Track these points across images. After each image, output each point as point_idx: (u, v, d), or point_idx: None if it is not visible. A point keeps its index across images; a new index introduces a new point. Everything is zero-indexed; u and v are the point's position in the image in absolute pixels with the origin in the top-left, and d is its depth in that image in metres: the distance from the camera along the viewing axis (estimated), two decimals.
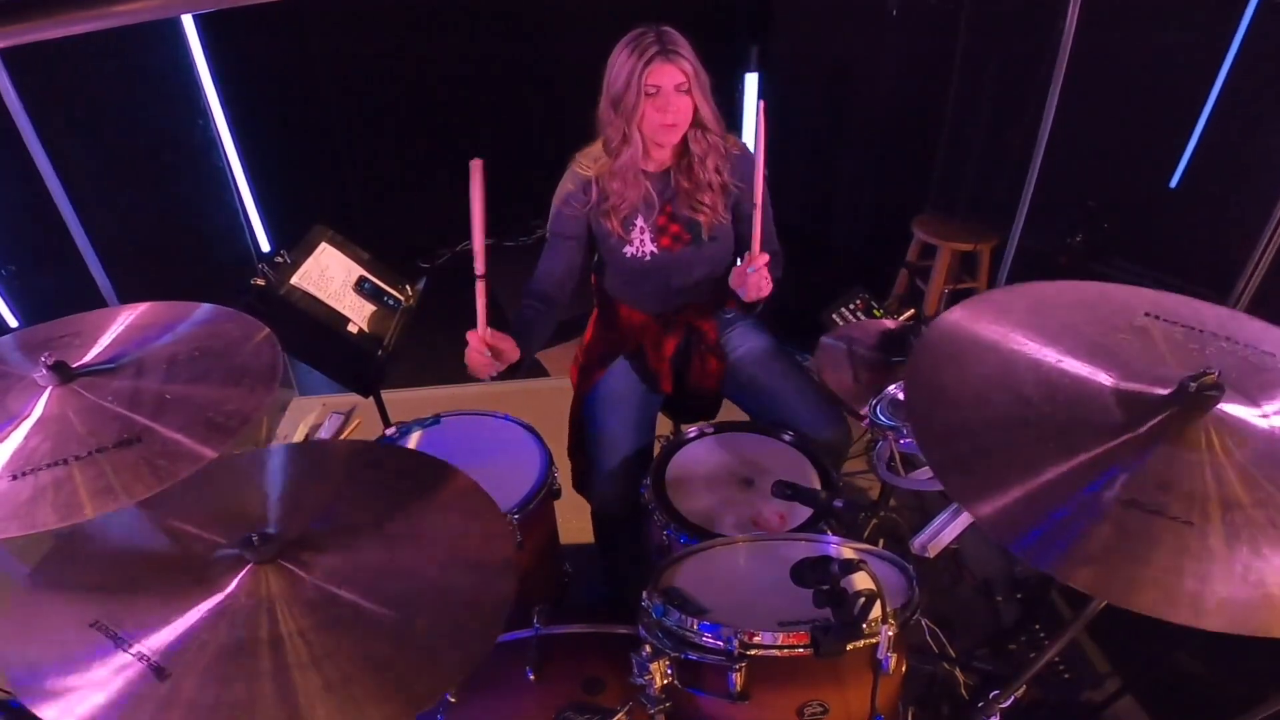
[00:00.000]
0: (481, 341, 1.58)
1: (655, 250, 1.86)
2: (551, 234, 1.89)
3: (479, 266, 1.46)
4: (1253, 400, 1.01)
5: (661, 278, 1.91)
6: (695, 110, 1.72)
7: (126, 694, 0.90)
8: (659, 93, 1.68)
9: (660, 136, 1.74)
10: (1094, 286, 1.22)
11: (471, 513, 1.19)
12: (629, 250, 1.86)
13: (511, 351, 1.64)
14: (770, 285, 1.74)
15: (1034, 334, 1.13)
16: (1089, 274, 3.22)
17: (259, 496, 1.20)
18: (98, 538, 1.13)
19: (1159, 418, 0.98)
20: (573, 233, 1.87)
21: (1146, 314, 1.16)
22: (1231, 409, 0.99)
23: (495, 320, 1.58)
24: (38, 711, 0.89)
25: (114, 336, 1.23)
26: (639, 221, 1.84)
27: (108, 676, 0.92)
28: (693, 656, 1.20)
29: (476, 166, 1.38)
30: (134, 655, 0.93)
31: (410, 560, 1.10)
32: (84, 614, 0.99)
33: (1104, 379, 1.06)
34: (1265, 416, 1.00)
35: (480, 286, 1.49)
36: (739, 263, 1.75)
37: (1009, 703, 1.34)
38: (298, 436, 2.95)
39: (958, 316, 1.17)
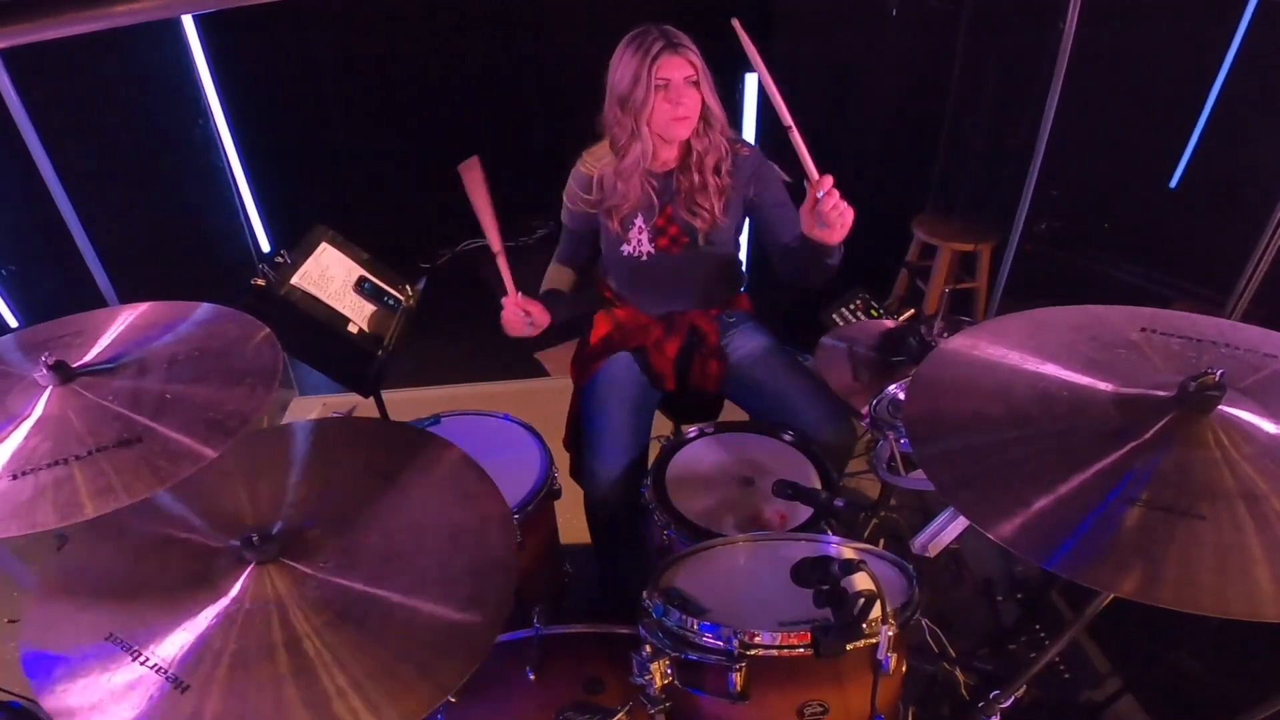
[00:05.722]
0: (515, 304, 1.71)
1: (652, 250, 1.86)
2: (565, 230, 1.98)
3: (495, 244, 1.62)
4: (1258, 399, 1.01)
5: (658, 278, 1.92)
6: (703, 105, 1.73)
7: (152, 711, 0.90)
8: (669, 86, 1.68)
9: (670, 131, 1.73)
10: (1090, 309, 1.23)
11: (458, 480, 1.21)
12: (626, 249, 1.87)
13: (541, 315, 1.75)
14: (851, 211, 1.54)
15: (1030, 354, 1.15)
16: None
17: (247, 487, 1.19)
18: (99, 544, 1.13)
19: (1163, 421, 0.98)
20: (579, 228, 1.93)
21: (1142, 329, 1.17)
22: (1235, 410, 0.99)
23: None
24: None
25: (114, 336, 1.23)
26: (638, 221, 1.84)
27: (130, 692, 0.92)
28: (693, 656, 1.20)
29: (466, 169, 1.53)
30: (151, 668, 0.94)
31: (407, 538, 1.10)
32: (98, 626, 0.99)
33: (1103, 388, 1.06)
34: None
35: (501, 261, 1.64)
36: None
37: (1009, 703, 1.34)
38: None
39: (956, 345, 1.20)
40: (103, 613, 1.01)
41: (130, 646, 0.96)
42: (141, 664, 0.94)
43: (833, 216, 1.52)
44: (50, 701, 0.91)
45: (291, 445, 1.33)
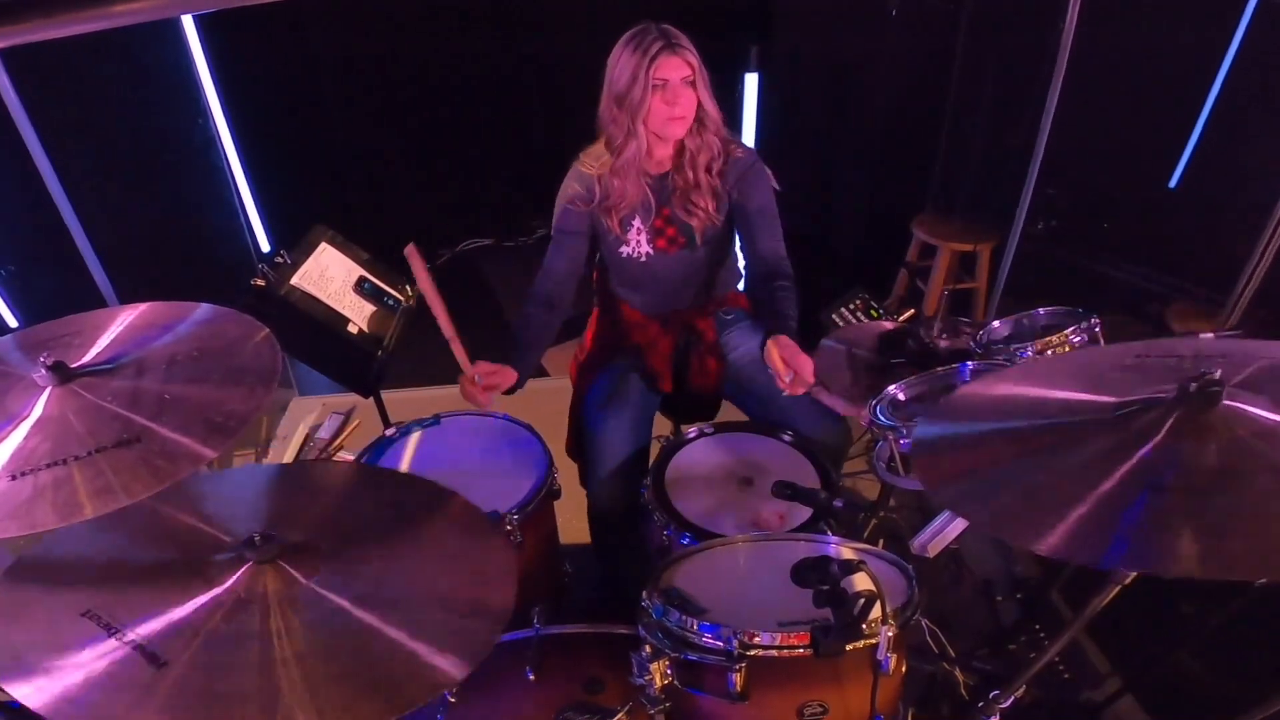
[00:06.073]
0: (472, 380, 1.66)
1: (650, 251, 1.87)
2: (557, 231, 1.90)
3: (446, 330, 1.62)
4: (1255, 389, 1.02)
5: (657, 278, 1.92)
6: (699, 105, 1.73)
7: (112, 677, 0.89)
8: (666, 85, 1.69)
9: (666, 130, 1.74)
10: (1086, 352, 1.28)
11: (472, 537, 1.20)
12: (625, 250, 1.87)
13: (505, 378, 1.70)
14: (809, 366, 1.62)
15: (1026, 387, 1.21)
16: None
17: (262, 505, 1.20)
18: (91, 534, 1.12)
19: (1171, 419, 0.99)
20: (578, 229, 1.88)
21: (1137, 356, 1.20)
22: (1236, 404, 1.00)
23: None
24: (13, 691, 0.87)
25: (113, 337, 1.22)
26: (636, 222, 1.85)
27: (94, 661, 0.91)
28: (692, 656, 1.20)
29: (411, 253, 1.61)
30: (126, 643, 0.93)
31: (410, 579, 1.10)
32: (75, 604, 0.98)
33: (1106, 401, 1.09)
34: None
35: (454, 346, 1.63)
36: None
37: (1009, 703, 1.34)
38: (298, 436, 2.95)
39: (964, 392, 1.26)
40: (83, 592, 1.00)
41: (107, 623, 0.95)
42: (117, 639, 0.93)
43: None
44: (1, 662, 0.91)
45: (318, 477, 1.35)
